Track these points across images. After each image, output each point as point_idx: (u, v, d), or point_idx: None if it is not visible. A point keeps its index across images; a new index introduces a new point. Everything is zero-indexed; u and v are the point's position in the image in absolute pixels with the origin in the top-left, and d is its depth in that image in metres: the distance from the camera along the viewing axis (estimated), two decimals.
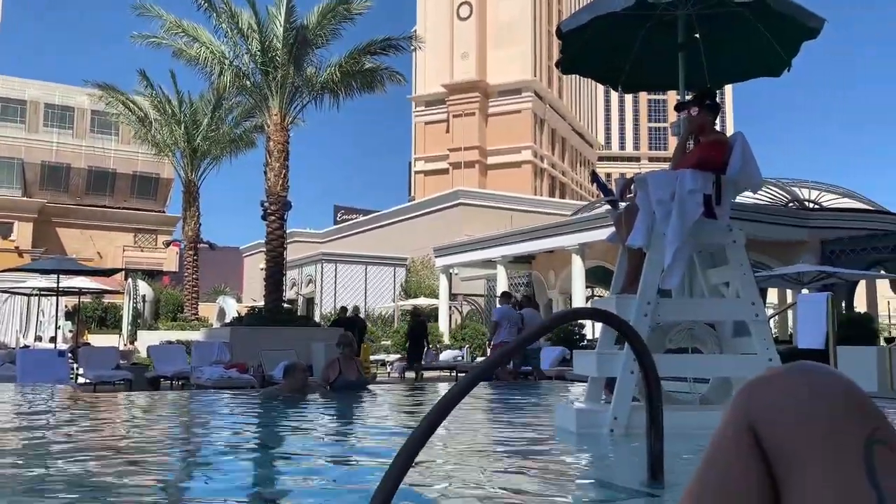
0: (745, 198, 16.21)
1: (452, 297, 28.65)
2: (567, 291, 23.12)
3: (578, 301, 21.46)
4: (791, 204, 20.43)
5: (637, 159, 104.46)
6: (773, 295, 24.01)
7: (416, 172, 69.25)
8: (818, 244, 18.66)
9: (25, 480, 3.30)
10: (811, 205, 20.54)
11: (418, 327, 17.11)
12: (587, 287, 22.79)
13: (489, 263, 25.28)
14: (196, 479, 3.54)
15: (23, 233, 39.35)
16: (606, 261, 20.39)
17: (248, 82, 17.20)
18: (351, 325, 16.05)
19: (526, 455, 4.40)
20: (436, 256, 27.42)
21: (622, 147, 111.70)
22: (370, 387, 8.75)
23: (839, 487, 0.72)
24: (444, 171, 64.56)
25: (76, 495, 2.95)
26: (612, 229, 5.55)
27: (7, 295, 21.78)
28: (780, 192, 20.86)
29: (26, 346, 18.36)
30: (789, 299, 19.72)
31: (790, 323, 20.27)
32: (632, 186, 5.13)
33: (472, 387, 2.80)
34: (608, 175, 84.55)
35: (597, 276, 22.88)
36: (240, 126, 24.83)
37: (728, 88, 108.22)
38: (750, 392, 0.81)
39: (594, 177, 5.75)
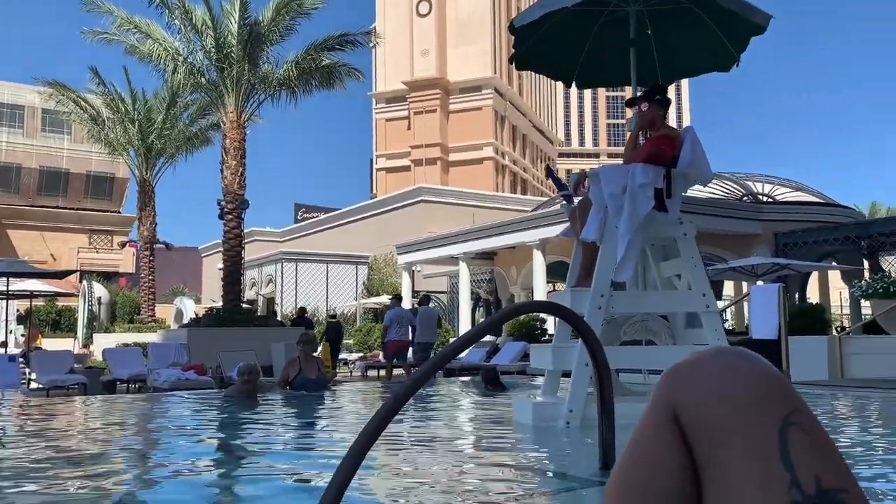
0: (700, 191, 16.51)
1: (415, 294, 28.62)
2: (529, 287, 23.27)
3: (540, 296, 21.62)
4: (745, 198, 20.85)
5: (597, 155, 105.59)
6: (729, 287, 24.50)
7: (378, 170, 68.97)
8: (772, 237, 19.08)
9: None
10: (764, 198, 20.99)
11: (332, 331, 17.43)
12: (548, 282, 22.97)
13: (452, 260, 25.31)
14: (151, 485, 3.47)
15: None
16: (567, 256, 20.53)
17: (202, 79, 16.94)
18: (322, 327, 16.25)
19: (482, 448, 4.41)
20: (398, 254, 27.36)
21: (582, 143, 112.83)
22: (331, 385, 8.69)
23: (755, 469, 0.73)
24: (406, 169, 64.43)
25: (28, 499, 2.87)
26: (569, 224, 5.59)
27: None
28: (735, 185, 21.27)
29: None
30: (745, 291, 20.14)
31: (746, 314, 20.70)
32: (585, 181, 5.18)
33: (418, 385, 2.80)
34: (568, 171, 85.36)
35: (557, 272, 23.08)
36: (195, 124, 24.45)
37: (685, 83, 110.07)
38: (671, 377, 0.81)
39: (549, 172, 5.79)
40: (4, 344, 18.26)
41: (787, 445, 0.73)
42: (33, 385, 11.95)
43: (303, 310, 19.39)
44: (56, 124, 41.34)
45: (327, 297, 30.33)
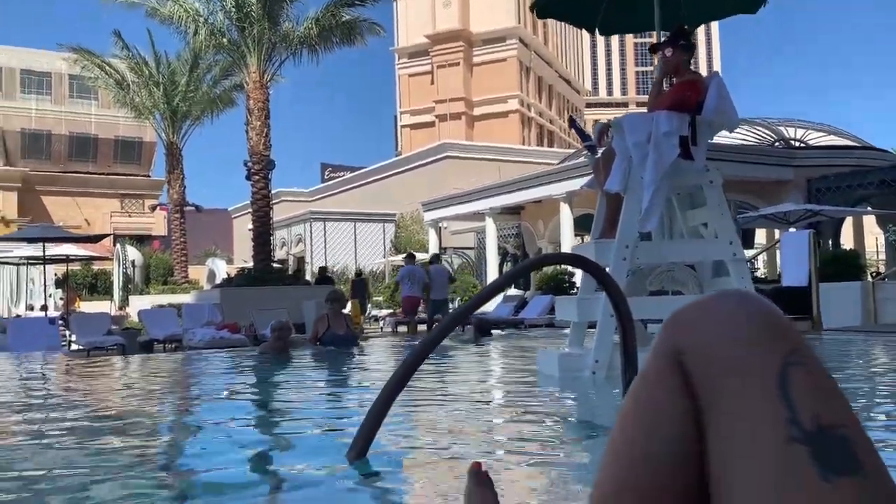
0: (729, 138, 16.19)
1: (442, 250, 28.71)
2: (556, 240, 23.20)
3: (567, 250, 21.55)
4: (777, 143, 20.41)
5: (625, 105, 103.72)
6: (761, 235, 24.16)
7: (403, 126, 68.59)
8: (804, 182, 18.71)
9: (26, 451, 3.35)
10: (797, 143, 20.52)
11: (358, 288, 17.71)
12: (576, 235, 22.88)
13: (478, 216, 25.27)
14: (189, 440, 3.60)
15: (8, 203, 38.93)
16: (594, 208, 20.39)
17: (224, 40, 16.90)
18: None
19: (508, 399, 4.48)
20: (424, 211, 27.37)
21: (610, 93, 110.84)
22: (359, 341, 8.84)
23: (755, 408, 0.74)
24: (431, 125, 63.97)
25: (77, 459, 3.00)
26: (593, 176, 5.55)
27: None
28: (766, 131, 20.82)
29: (18, 316, 18.37)
30: (777, 239, 19.87)
31: (778, 262, 20.45)
32: (609, 131, 5.11)
33: (441, 337, 2.84)
34: (596, 122, 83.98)
35: (585, 224, 22.93)
36: (219, 85, 24.47)
37: (714, 29, 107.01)
38: (673, 323, 0.82)
39: (572, 122, 5.72)
40: (44, 307, 18.79)
41: (788, 384, 0.74)
42: (73, 346, 12.30)
43: (323, 269, 19.70)
44: (83, 90, 41.67)
45: (356, 256, 30.57)
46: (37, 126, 43.58)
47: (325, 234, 31.00)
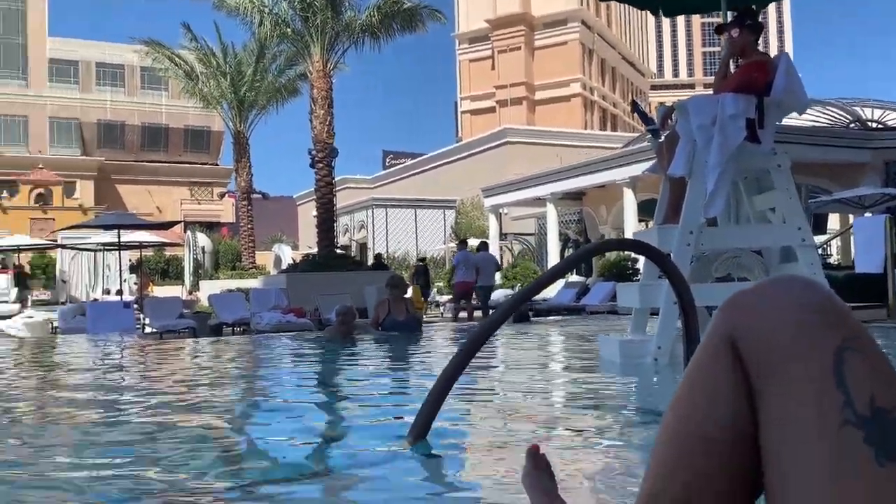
0: (802, 120, 15.61)
1: (503, 236, 28.64)
2: (619, 226, 22.86)
3: (630, 236, 21.22)
4: (853, 125, 19.56)
5: (692, 86, 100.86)
6: (834, 220, 23.26)
7: (463, 112, 68.43)
8: (882, 165, 17.90)
9: (102, 425, 3.54)
10: (874, 125, 19.62)
11: (420, 274, 17.96)
12: (640, 220, 22.48)
13: (539, 202, 25.09)
14: (255, 420, 3.74)
15: (85, 191, 40.64)
16: (658, 193, 20.00)
17: (288, 30, 17.20)
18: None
19: (569, 384, 4.48)
20: (484, 197, 27.33)
21: (675, 74, 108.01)
22: (420, 325, 8.94)
23: (810, 391, 0.75)
24: (491, 110, 63.62)
25: (152, 434, 3.15)
26: (656, 160, 5.46)
27: (75, 252, 22.72)
28: (841, 112, 19.97)
29: (95, 300, 19.21)
30: (851, 224, 19.10)
31: (852, 248, 19.67)
32: (673, 114, 5.02)
33: (500, 322, 2.87)
34: (660, 105, 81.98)
35: (649, 210, 22.50)
36: (283, 75, 24.95)
37: (786, 7, 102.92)
38: (730, 305, 0.83)
39: (634, 106, 5.63)
40: (120, 292, 19.59)
41: (843, 368, 0.74)
42: (147, 329, 12.80)
43: (378, 256, 20.05)
44: (154, 81, 43.10)
45: (417, 242, 30.79)
46: (111, 117, 45.31)
47: (386, 221, 31.32)
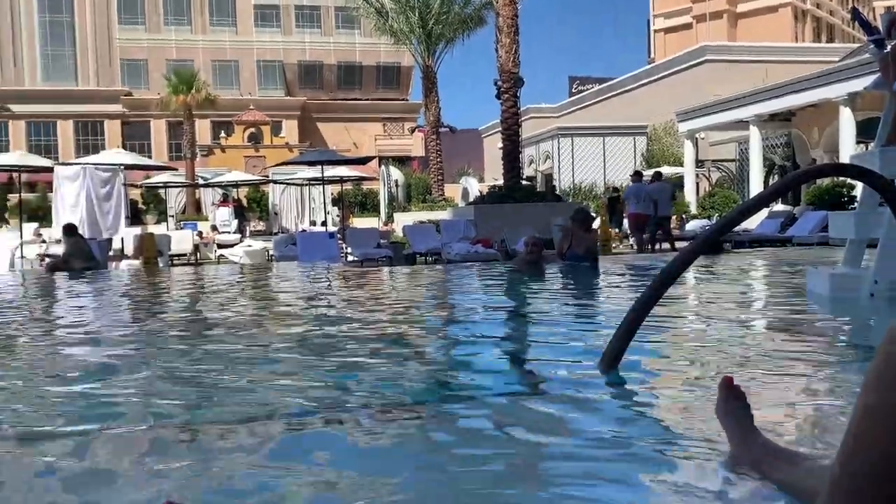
0: None
1: (699, 163, 27.09)
2: (833, 149, 20.72)
3: (847, 159, 19.16)
4: None
5: None
6: None
7: (656, 31, 64.45)
8: None
9: (313, 340, 3.91)
10: None
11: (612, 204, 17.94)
12: (858, 143, 20.22)
13: (741, 124, 23.32)
14: (448, 342, 3.93)
15: (290, 129, 43.79)
16: (881, 111, 17.80)
17: None
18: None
19: (774, 318, 4.23)
20: (679, 121, 25.87)
21: None
22: (601, 259, 8.90)
23: None
24: (688, 27, 59.31)
25: (352, 352, 3.45)
26: (880, 74, 4.84)
27: (284, 186, 24.73)
28: None
29: (303, 231, 20.89)
30: None
31: None
32: None
33: (698, 252, 2.75)
34: (886, 10, 71.88)
35: (869, 131, 20.13)
36: (469, 5, 24.94)
37: None
38: None
39: (855, 14, 4.99)
40: (324, 223, 21.10)
41: None
42: (349, 258, 13.76)
43: (552, 188, 20.01)
44: (347, 21, 44.90)
45: (604, 171, 30.01)
46: (311, 58, 48.02)
47: (572, 150, 30.75)
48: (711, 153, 28.80)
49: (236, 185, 25.47)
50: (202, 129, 38.73)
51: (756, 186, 22.52)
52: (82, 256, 10.75)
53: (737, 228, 12.17)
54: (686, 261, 2.60)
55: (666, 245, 14.41)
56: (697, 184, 26.27)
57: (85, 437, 2.05)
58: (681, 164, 26.46)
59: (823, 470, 1.23)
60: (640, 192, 14.26)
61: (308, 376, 2.85)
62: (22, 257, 14.61)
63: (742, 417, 1.59)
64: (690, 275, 6.59)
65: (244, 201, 27.61)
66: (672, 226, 18.27)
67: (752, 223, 14.83)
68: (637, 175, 15.51)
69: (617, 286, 6.92)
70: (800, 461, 1.45)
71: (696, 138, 26.11)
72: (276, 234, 21.42)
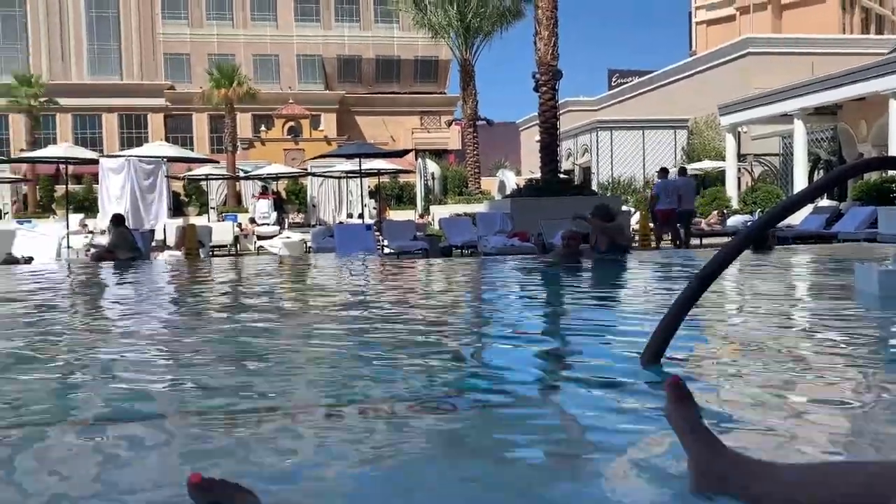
0: None
1: (741, 157, 26.58)
2: (882, 143, 20.14)
3: None
4: None
5: None
6: None
7: (698, 23, 63.26)
8: None
9: (351, 333, 3.93)
10: None
11: None
12: None
13: (785, 118, 22.80)
14: (491, 337, 3.92)
15: (328, 123, 44.11)
16: None
17: None
18: None
19: (819, 316, 4.13)
20: (721, 115, 25.40)
21: None
22: (630, 252, 8.80)
23: None
24: (731, 19, 58.09)
25: (386, 343, 3.45)
26: None
27: (322, 178, 24.95)
28: None
29: (341, 223, 21.03)
30: None
31: None
32: None
33: (747, 242, 2.69)
34: None
35: None
36: None
37: None
38: None
39: None
40: (361, 215, 21.23)
41: None
42: (386, 250, 13.82)
43: (586, 183, 19.70)
44: (386, 15, 45.07)
45: (644, 165, 29.61)
46: (349, 52, 48.29)
47: (611, 144, 30.41)
48: (754, 147, 28.25)
49: (276, 177, 25.76)
50: (243, 123, 39.22)
51: (800, 181, 22.01)
52: (127, 247, 10.98)
53: (780, 224, 11.91)
54: (729, 256, 2.54)
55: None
56: (739, 178, 25.79)
57: (144, 423, 2.09)
58: (722, 159, 25.99)
59: (830, 476, 1.12)
60: (667, 187, 14.53)
61: (347, 367, 2.86)
62: (68, 247, 14.98)
63: (696, 425, 1.33)
64: (734, 270, 6.47)
65: (283, 194, 27.92)
66: (713, 220, 18.00)
67: (797, 219, 14.50)
68: (664, 171, 15.76)
69: (653, 280, 6.82)
70: (780, 471, 1.21)
71: (739, 132, 25.61)
72: (313, 226, 21.63)
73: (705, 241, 15.97)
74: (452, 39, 26.25)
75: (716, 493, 1.20)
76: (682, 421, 1.31)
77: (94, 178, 21.78)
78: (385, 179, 27.70)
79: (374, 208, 24.31)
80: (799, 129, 22.08)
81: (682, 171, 16.03)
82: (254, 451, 1.77)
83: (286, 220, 23.81)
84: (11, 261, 11.72)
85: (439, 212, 21.22)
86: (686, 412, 1.31)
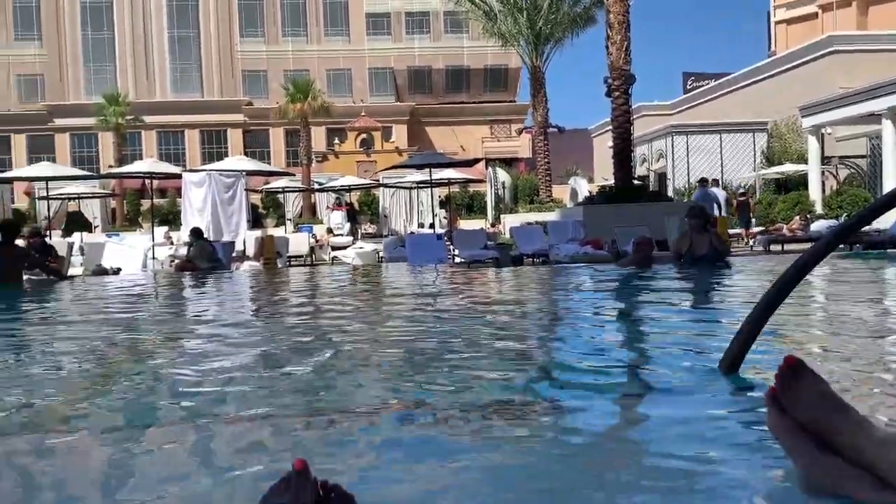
0: None
1: (825, 160, 25.51)
2: None
3: None
4: None
5: None
6: None
7: (777, 23, 61.15)
8: None
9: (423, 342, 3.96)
10: None
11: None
12: None
13: (873, 118, 21.77)
14: (559, 339, 3.89)
15: (399, 134, 44.67)
16: None
17: None
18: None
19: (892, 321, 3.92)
20: (802, 116, 24.46)
21: None
22: (729, 259, 8.43)
23: None
24: (812, 17, 55.94)
25: (458, 349, 3.46)
26: None
27: (394, 189, 25.28)
28: None
29: (412, 233, 21.24)
30: None
31: None
32: None
33: (831, 247, 2.58)
34: None
35: None
36: (579, 3, 24.60)
37: None
38: None
39: None
40: (432, 225, 21.38)
41: None
42: (457, 259, 13.87)
43: (658, 189, 19.59)
44: (455, 25, 45.42)
45: (722, 169, 28.77)
46: (420, 63, 48.86)
47: (687, 148, 29.69)
48: (838, 149, 27.07)
49: (349, 189, 26.25)
50: (317, 136, 40.14)
51: (890, 184, 20.93)
52: (206, 257, 11.39)
53: (870, 228, 11.36)
54: (813, 260, 2.44)
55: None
56: (823, 182, 24.75)
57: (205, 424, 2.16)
58: (804, 161, 25.00)
59: None
60: (707, 197, 15.60)
61: (419, 373, 2.88)
62: (153, 258, 15.65)
63: (830, 406, 1.19)
64: (818, 276, 6.21)
65: (356, 205, 28.42)
66: (795, 226, 17.33)
67: (886, 222, 13.81)
68: (703, 181, 17.04)
69: (736, 287, 6.60)
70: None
71: (822, 134, 24.61)
72: (385, 236, 21.92)
73: (787, 247, 15.38)
74: (522, 47, 26.19)
75: (831, 495, 1.13)
76: (812, 408, 1.21)
77: (178, 192, 22.68)
78: (455, 189, 27.86)
79: (445, 218, 24.46)
80: (888, 129, 21.04)
81: (715, 183, 17.94)
82: (322, 455, 1.80)
83: (359, 230, 24.21)
84: (101, 272, 12.33)
85: (510, 220, 21.17)
86: (814, 393, 1.20)
